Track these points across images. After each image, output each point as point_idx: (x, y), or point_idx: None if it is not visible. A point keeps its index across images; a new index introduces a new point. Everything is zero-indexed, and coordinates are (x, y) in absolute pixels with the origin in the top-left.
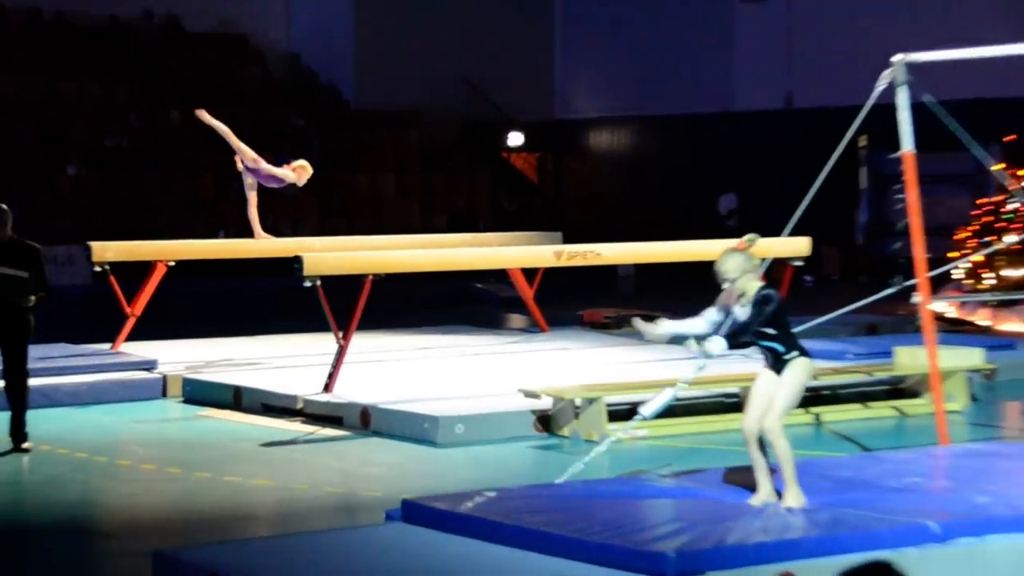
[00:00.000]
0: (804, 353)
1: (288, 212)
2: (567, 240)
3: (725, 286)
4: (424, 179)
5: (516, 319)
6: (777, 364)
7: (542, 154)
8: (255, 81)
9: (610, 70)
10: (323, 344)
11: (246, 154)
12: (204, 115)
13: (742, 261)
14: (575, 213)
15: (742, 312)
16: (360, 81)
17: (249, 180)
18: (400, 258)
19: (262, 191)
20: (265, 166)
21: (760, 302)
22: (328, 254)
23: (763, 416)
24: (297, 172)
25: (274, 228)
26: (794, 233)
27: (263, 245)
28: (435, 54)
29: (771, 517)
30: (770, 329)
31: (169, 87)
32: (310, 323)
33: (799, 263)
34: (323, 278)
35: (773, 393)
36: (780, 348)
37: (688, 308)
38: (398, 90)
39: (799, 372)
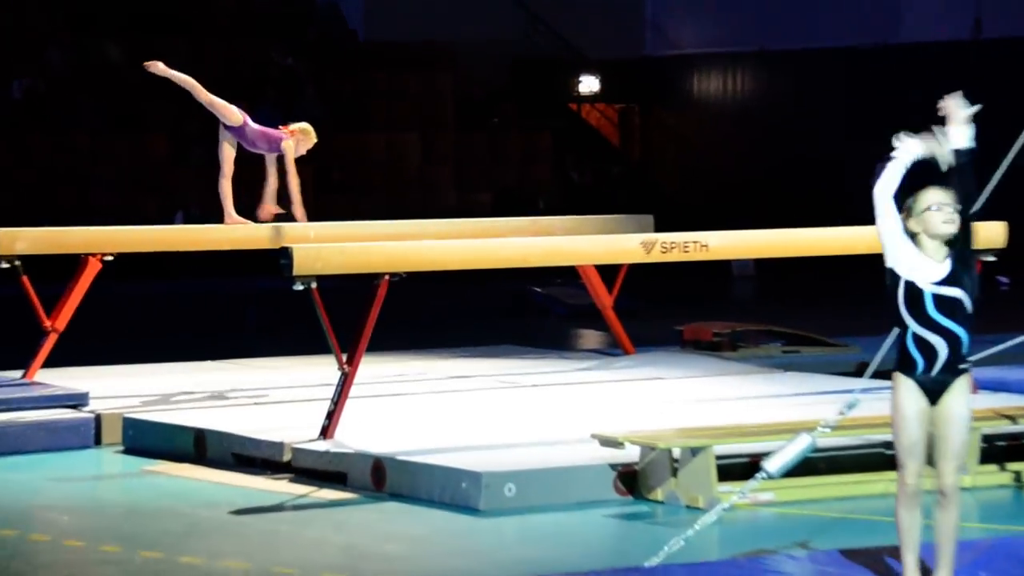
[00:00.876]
0: None
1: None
2: (661, 226)
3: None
4: (461, 141)
5: (590, 336)
6: (943, 375)
7: (626, 106)
8: (226, 2)
9: None
10: (321, 371)
11: (227, 113)
12: (159, 67)
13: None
14: (672, 187)
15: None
16: (372, 4)
17: (228, 145)
18: (428, 251)
19: (241, 158)
20: (253, 126)
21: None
22: (328, 245)
23: (944, 467)
24: (296, 138)
25: (253, 209)
26: (985, 217)
27: (236, 233)
28: None
29: None
30: (968, 302)
31: (104, 10)
32: (303, 341)
33: (991, 258)
34: (321, 279)
35: (942, 431)
36: (965, 339)
37: (836, 322)
38: (424, 16)
39: (968, 395)
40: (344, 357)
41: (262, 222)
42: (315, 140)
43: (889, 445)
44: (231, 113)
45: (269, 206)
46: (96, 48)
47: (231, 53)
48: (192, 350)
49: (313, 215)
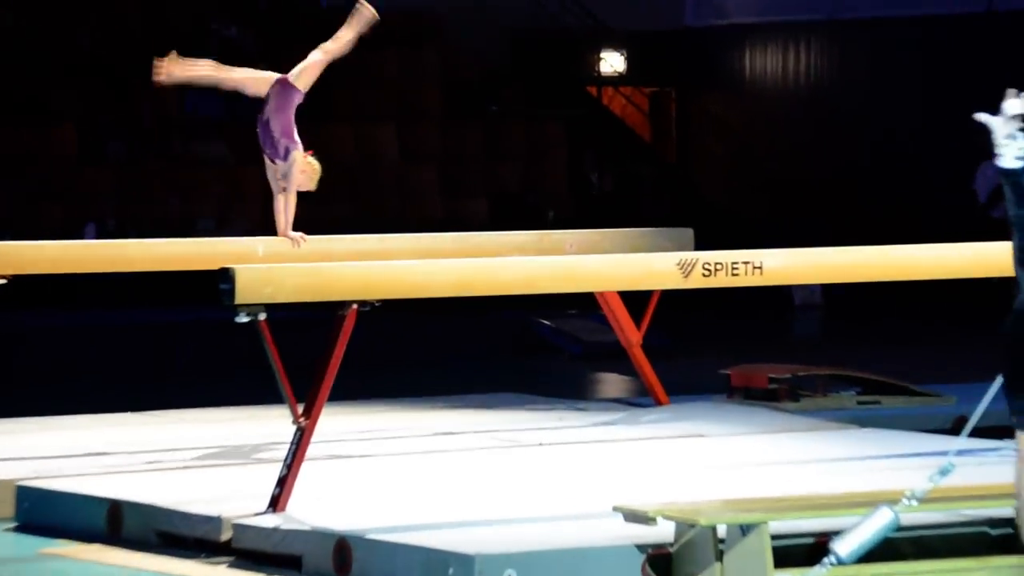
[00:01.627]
0: None
1: (213, 190)
2: (703, 242)
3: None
4: (450, 133)
5: (612, 382)
6: None
7: (659, 89)
8: None
9: None
10: (271, 425)
11: (263, 84)
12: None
13: None
14: (717, 193)
15: None
16: None
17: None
18: (407, 274)
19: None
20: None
21: None
22: (281, 266)
23: None
24: (307, 164)
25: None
26: None
27: (158, 251)
28: None
29: None
30: None
31: None
32: (248, 388)
33: None
34: (271, 308)
35: None
36: None
37: (926, 366)
38: None
39: None
40: (300, 408)
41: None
42: (315, 187)
43: (995, 523)
44: (268, 80)
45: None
46: None
47: (153, 21)
48: (105, 399)
49: (261, 225)
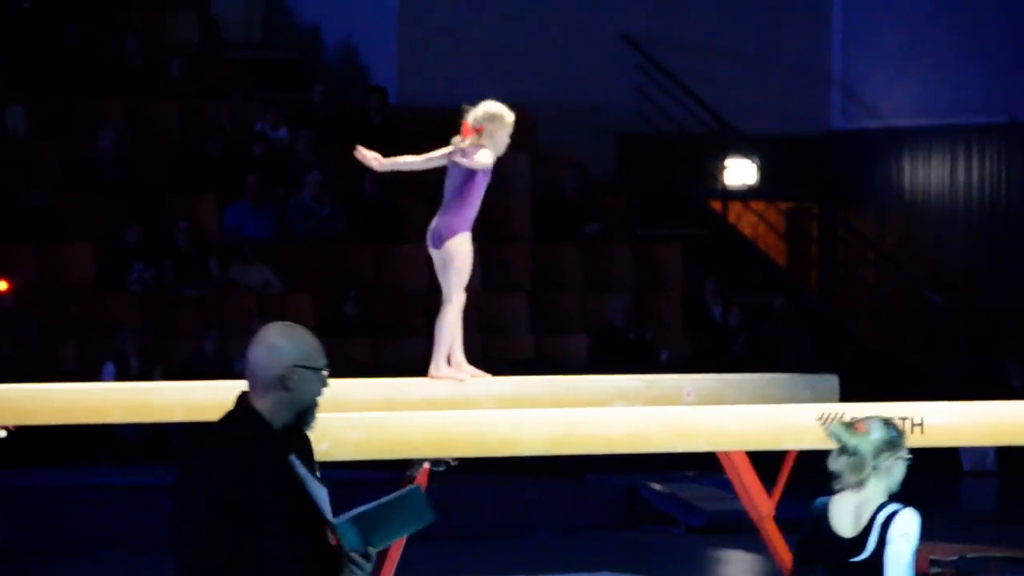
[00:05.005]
0: None
1: (255, 323)
2: (850, 391)
3: None
4: (542, 256)
5: (737, 560)
6: None
7: (798, 204)
8: (184, 46)
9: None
10: None
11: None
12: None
13: None
14: (868, 331)
15: None
16: (410, 49)
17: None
18: (490, 427)
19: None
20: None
21: None
22: (337, 416)
23: None
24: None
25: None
26: None
27: (200, 396)
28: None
29: None
30: None
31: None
32: None
33: None
34: (327, 466)
35: None
36: None
37: None
38: (488, 70)
39: None
40: None
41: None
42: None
43: None
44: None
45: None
46: None
47: (188, 120)
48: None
49: None
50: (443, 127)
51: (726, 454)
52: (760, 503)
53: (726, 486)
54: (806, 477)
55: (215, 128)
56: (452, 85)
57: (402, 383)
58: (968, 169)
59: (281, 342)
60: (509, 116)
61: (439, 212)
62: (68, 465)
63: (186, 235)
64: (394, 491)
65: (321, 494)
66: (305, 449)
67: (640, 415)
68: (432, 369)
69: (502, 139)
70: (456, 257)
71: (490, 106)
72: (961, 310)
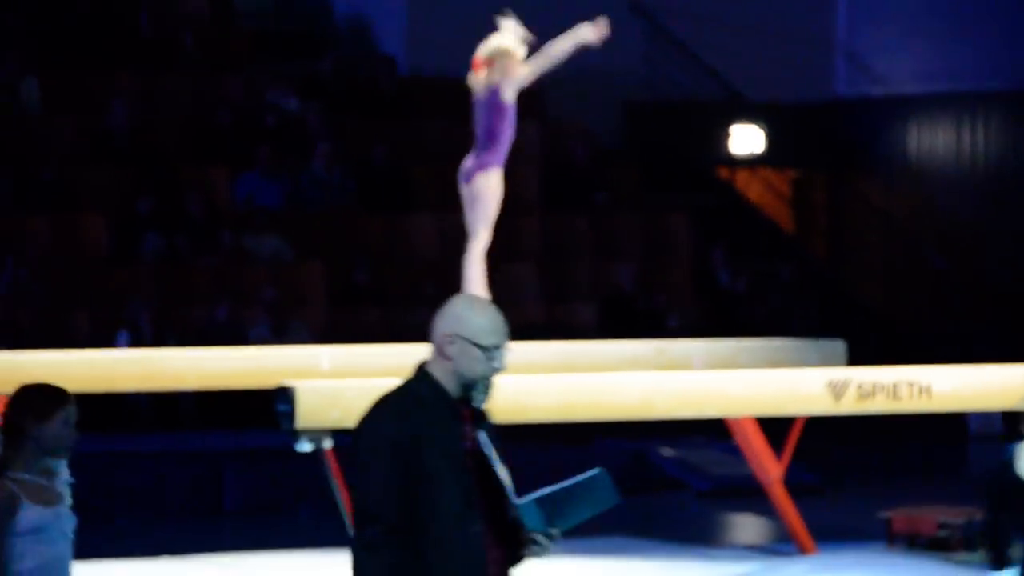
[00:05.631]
0: None
1: (268, 292)
2: (857, 357)
3: None
4: (552, 225)
5: (746, 525)
6: None
7: (804, 172)
8: (195, 17)
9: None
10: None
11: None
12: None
13: None
14: (875, 297)
15: None
16: (419, 19)
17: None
18: (502, 393)
19: None
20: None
21: None
22: (350, 383)
23: None
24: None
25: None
26: None
27: (207, 366)
28: None
29: None
30: None
31: (15, 35)
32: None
33: None
34: (339, 434)
35: None
36: None
37: None
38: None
39: None
40: None
41: None
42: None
43: None
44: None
45: None
46: (4, 87)
47: (200, 91)
48: (147, 542)
49: (329, 337)
50: (453, 96)
51: (735, 420)
52: (769, 467)
53: (735, 451)
54: (813, 444)
55: (226, 99)
56: (461, 54)
57: (413, 351)
58: (974, 135)
59: (453, 310)
60: (519, 50)
61: (472, 152)
62: (82, 432)
63: (198, 205)
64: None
65: (504, 474)
66: (490, 427)
67: (650, 381)
68: None
69: (512, 68)
70: (483, 192)
71: (501, 41)
72: (967, 275)
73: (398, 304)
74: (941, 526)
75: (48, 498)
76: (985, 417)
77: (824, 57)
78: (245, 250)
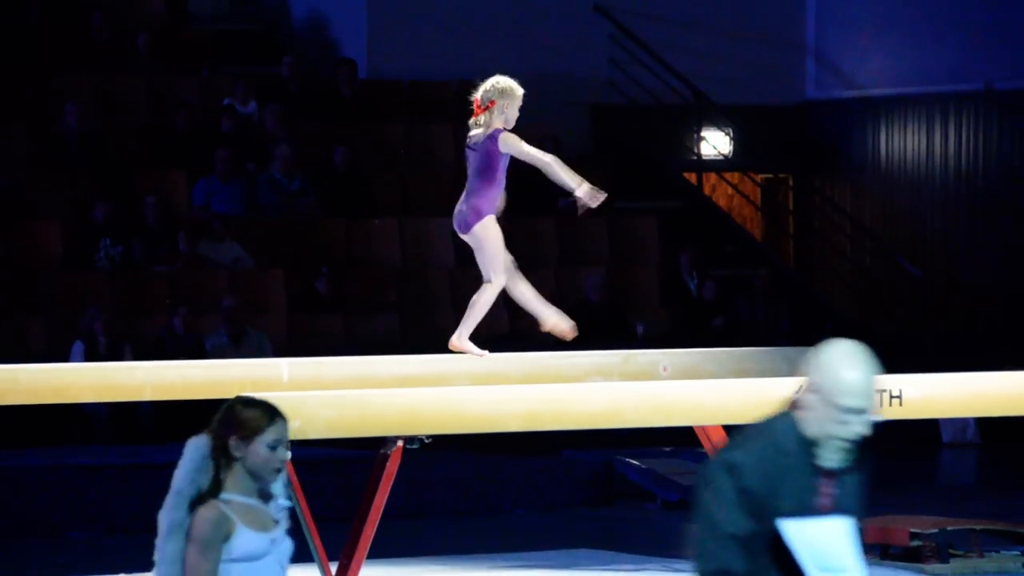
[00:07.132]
0: None
1: (226, 301)
2: None
3: None
4: (517, 230)
5: None
6: None
7: (774, 176)
8: (150, 18)
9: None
10: None
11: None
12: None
13: None
14: (845, 303)
15: None
16: (379, 23)
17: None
18: (464, 404)
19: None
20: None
21: None
22: (311, 394)
23: None
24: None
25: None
26: None
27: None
28: None
29: None
30: None
31: None
32: None
33: None
34: (297, 445)
35: None
36: None
37: None
38: (458, 45)
39: None
40: (334, 568)
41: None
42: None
43: None
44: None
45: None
46: None
47: (155, 95)
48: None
49: (289, 346)
50: (413, 100)
51: (703, 429)
52: None
53: (703, 460)
54: None
55: (183, 103)
56: (423, 58)
57: (375, 360)
58: (944, 137)
59: (824, 357)
60: (518, 90)
61: (463, 196)
62: (36, 446)
63: (155, 211)
64: (366, 470)
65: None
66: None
67: (616, 390)
68: (455, 338)
69: (512, 113)
70: (485, 241)
71: (498, 81)
72: (938, 280)
73: (360, 311)
74: (913, 536)
75: (264, 523)
76: (959, 425)
77: (793, 59)
78: (203, 257)
